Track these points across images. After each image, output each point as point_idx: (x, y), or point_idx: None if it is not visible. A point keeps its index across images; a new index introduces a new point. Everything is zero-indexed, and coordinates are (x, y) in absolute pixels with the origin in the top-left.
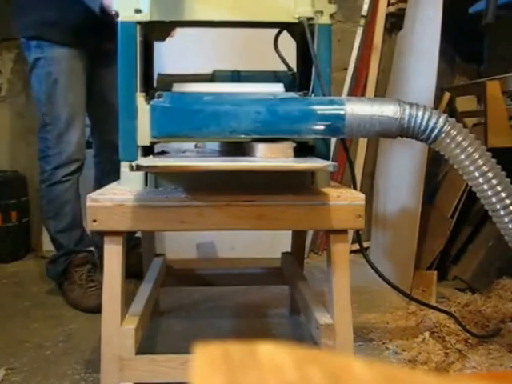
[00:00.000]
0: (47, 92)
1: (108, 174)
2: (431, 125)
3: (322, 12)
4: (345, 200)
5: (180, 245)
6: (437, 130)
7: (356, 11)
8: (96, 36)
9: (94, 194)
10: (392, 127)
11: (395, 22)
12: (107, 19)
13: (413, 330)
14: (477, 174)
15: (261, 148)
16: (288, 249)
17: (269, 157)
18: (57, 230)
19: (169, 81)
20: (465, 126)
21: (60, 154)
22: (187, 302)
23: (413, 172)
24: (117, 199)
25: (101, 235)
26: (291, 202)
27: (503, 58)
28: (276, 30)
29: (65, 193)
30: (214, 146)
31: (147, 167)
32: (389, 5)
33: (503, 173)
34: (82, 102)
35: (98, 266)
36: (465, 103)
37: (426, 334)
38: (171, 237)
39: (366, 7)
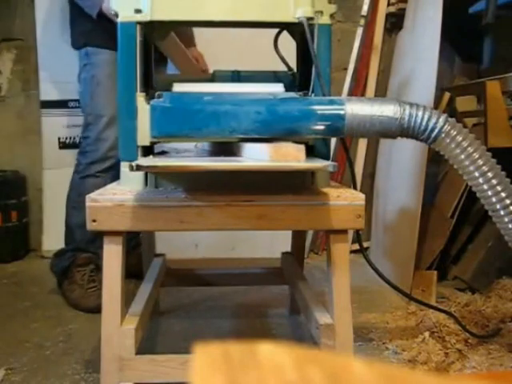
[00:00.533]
0: (91, 93)
1: None
2: (431, 125)
3: (321, 12)
4: (345, 200)
5: (180, 245)
6: (437, 130)
7: (356, 11)
8: None
9: (93, 194)
10: (392, 127)
11: (395, 22)
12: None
13: (413, 330)
14: (477, 174)
15: (268, 149)
16: (288, 249)
17: (276, 160)
18: (77, 223)
19: (169, 81)
20: (465, 126)
21: (97, 151)
22: (187, 302)
23: (413, 172)
24: (117, 199)
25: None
26: (291, 201)
27: (503, 58)
28: (276, 30)
29: (95, 187)
30: (212, 146)
31: (147, 167)
32: (389, 5)
33: (503, 173)
34: None
35: (101, 267)
36: (465, 103)
37: (426, 333)
38: (171, 237)
39: (365, 7)
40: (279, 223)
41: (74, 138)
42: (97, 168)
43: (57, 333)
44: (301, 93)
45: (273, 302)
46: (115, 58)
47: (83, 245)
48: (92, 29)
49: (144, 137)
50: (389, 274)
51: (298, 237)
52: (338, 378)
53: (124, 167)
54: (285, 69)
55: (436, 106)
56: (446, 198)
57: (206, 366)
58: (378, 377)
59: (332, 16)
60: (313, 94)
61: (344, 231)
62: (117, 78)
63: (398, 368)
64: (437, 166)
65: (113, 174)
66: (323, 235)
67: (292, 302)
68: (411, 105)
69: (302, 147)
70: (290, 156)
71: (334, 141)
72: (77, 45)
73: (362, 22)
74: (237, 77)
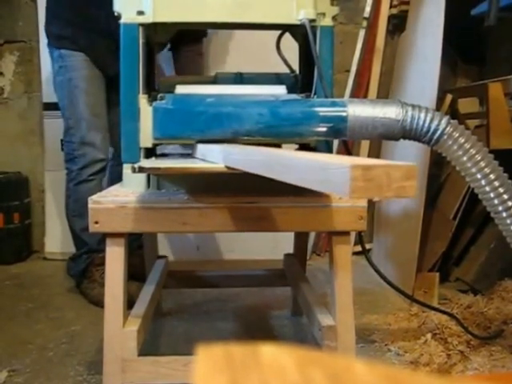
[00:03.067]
0: (69, 97)
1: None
2: (433, 126)
3: (324, 14)
4: (347, 202)
5: (181, 247)
6: (439, 132)
7: (358, 13)
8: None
9: (95, 196)
10: (394, 129)
11: (397, 24)
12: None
13: (415, 332)
14: (479, 176)
15: (351, 172)
16: (290, 250)
17: (362, 188)
18: (82, 228)
19: (171, 83)
20: (467, 128)
21: (85, 156)
22: (189, 304)
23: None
24: (119, 201)
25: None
26: (293, 203)
27: (505, 60)
28: (278, 32)
29: (90, 191)
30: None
31: (149, 169)
32: (391, 7)
33: (505, 174)
34: (102, 105)
35: None
36: (467, 105)
37: (428, 335)
38: (172, 238)
39: (368, 9)
40: (281, 225)
41: None
42: (88, 172)
43: (59, 334)
44: (303, 95)
45: (275, 304)
46: (92, 61)
47: (95, 246)
48: (66, 33)
49: (146, 138)
50: (391, 276)
51: (301, 238)
52: (339, 380)
53: (126, 169)
54: (287, 71)
55: (438, 107)
56: (448, 200)
57: (209, 367)
58: (380, 378)
59: (334, 18)
60: (315, 96)
61: (346, 233)
62: (91, 80)
63: (399, 369)
64: (439, 168)
65: (104, 174)
66: (325, 237)
67: (294, 303)
68: (413, 106)
69: (415, 170)
70: (387, 185)
71: (336, 142)
72: (50, 44)
73: (365, 24)
74: (239, 79)
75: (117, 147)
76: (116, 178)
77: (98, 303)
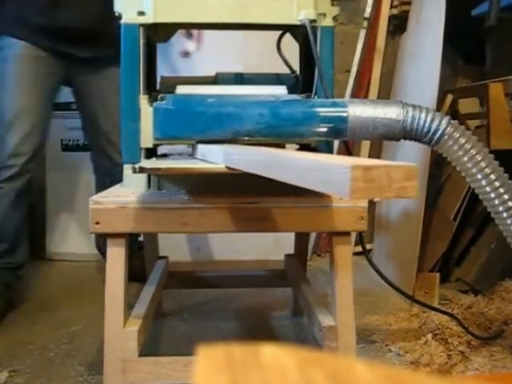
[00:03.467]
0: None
1: (108, 175)
2: (434, 127)
3: (324, 14)
4: (347, 202)
5: (182, 247)
6: (439, 132)
7: (359, 13)
8: (69, 41)
9: (96, 197)
10: (395, 129)
11: (398, 24)
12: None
13: (415, 332)
14: (479, 176)
15: (352, 172)
16: (291, 251)
17: (363, 188)
18: None
19: (172, 83)
20: (467, 128)
21: None
22: (190, 304)
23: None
24: (120, 201)
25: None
26: (294, 203)
27: (506, 60)
28: (279, 32)
29: None
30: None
31: (150, 169)
32: (392, 7)
33: (506, 175)
34: (32, 105)
35: (12, 280)
36: (467, 105)
37: (429, 335)
38: (173, 239)
39: (368, 9)
40: (282, 225)
41: (78, 140)
42: None
43: (60, 335)
44: (303, 95)
45: (276, 304)
46: (32, 54)
47: None
48: (9, 17)
49: (147, 139)
50: (391, 276)
51: (301, 239)
52: (340, 380)
53: (127, 169)
54: (287, 71)
55: (439, 108)
56: (448, 200)
57: (209, 367)
58: (381, 378)
59: (335, 18)
60: (315, 96)
61: (347, 233)
62: (27, 75)
63: (400, 370)
64: (440, 169)
65: (20, 188)
66: (326, 237)
67: (295, 303)
68: (414, 107)
69: (415, 171)
70: (387, 186)
71: (336, 143)
72: None
73: (365, 24)
74: (240, 79)
75: (95, 146)
76: (101, 177)
77: None
